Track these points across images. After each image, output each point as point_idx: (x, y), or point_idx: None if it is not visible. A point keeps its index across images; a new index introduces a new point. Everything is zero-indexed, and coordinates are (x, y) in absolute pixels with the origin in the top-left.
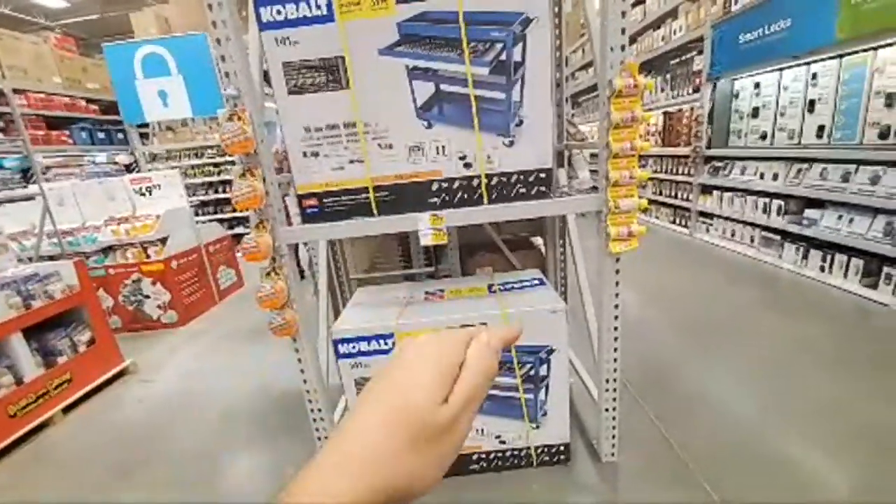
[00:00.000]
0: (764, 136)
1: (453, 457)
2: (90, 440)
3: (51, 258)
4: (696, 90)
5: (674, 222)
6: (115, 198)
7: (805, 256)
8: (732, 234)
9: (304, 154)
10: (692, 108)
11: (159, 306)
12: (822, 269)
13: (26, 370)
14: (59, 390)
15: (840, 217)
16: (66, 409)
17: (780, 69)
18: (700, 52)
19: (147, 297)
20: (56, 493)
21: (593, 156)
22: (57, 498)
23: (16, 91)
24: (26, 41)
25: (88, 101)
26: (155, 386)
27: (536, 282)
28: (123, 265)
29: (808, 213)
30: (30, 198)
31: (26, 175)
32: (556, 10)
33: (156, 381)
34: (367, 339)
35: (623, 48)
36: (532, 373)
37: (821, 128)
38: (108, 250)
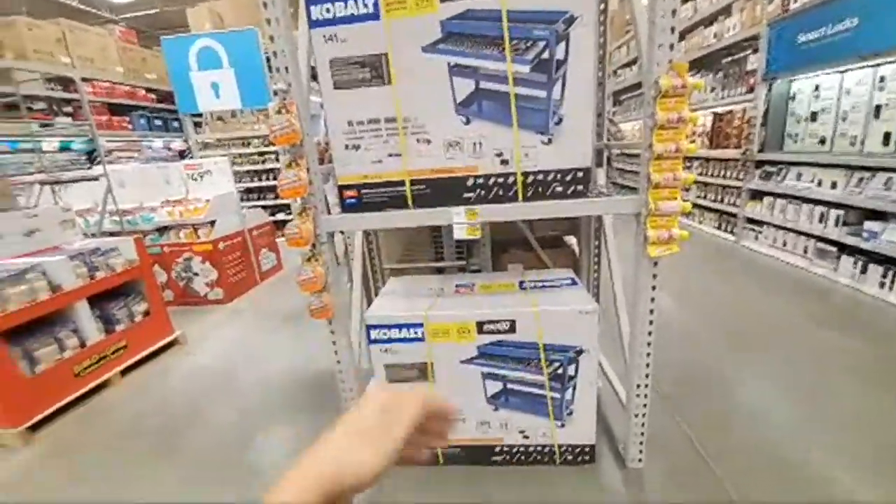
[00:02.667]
0: (823, 142)
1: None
2: (142, 403)
3: (112, 234)
4: (750, 90)
5: (719, 228)
6: (170, 181)
7: (863, 271)
8: (784, 244)
9: (346, 147)
10: (744, 110)
11: (207, 283)
12: (882, 285)
13: (89, 335)
14: (116, 355)
15: None
16: (123, 373)
17: (843, 71)
18: (755, 51)
19: (196, 274)
20: (110, 450)
21: (628, 155)
22: (109, 454)
23: (84, 80)
24: (93, 33)
25: (147, 90)
26: (200, 357)
27: (568, 281)
28: (177, 244)
29: (869, 225)
30: (95, 178)
31: (91, 157)
32: (602, 6)
33: (201, 353)
34: (398, 327)
35: (671, 47)
36: (560, 371)
37: (887, 135)
38: (163, 230)
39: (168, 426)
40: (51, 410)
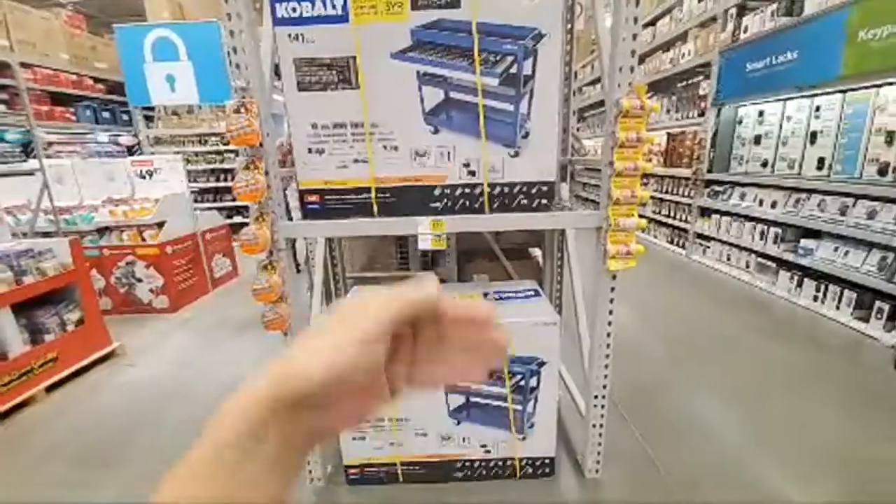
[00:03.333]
0: (765, 164)
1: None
2: (70, 422)
3: (46, 234)
4: (702, 114)
5: (671, 242)
6: (115, 178)
7: (799, 285)
8: (728, 258)
9: (310, 150)
10: (695, 132)
11: (151, 290)
12: (816, 298)
13: (12, 346)
14: (43, 368)
15: (836, 249)
16: (50, 388)
17: (785, 100)
18: (707, 77)
19: (140, 280)
20: (28, 475)
21: (590, 169)
22: (30, 479)
23: (23, 65)
24: (36, 16)
25: (95, 79)
26: (141, 371)
27: (532, 293)
28: (118, 247)
29: (805, 242)
30: (29, 173)
31: (27, 149)
32: (569, 26)
33: (142, 366)
34: None
35: (632, 69)
36: (522, 384)
37: (821, 160)
38: (103, 231)
39: (95, 448)
40: None
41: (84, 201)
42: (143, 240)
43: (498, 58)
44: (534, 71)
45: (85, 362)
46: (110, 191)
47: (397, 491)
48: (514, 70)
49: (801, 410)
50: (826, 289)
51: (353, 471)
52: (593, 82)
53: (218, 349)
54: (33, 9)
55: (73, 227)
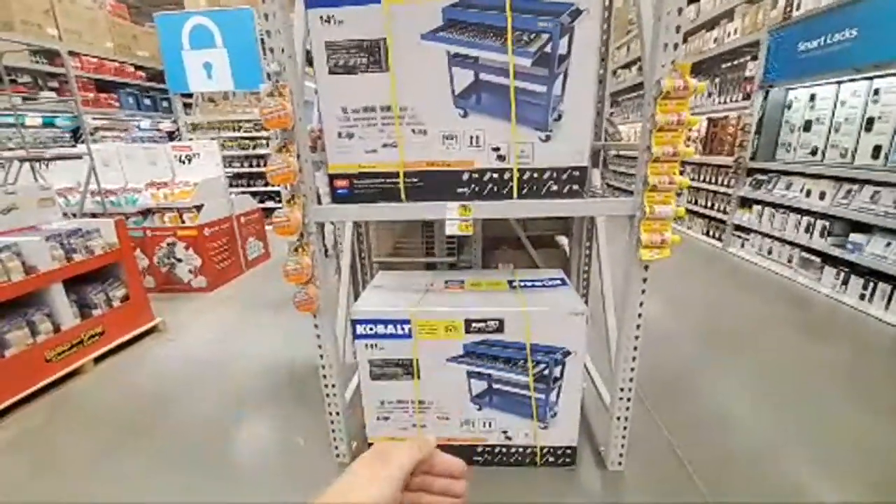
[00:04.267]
0: (814, 152)
1: None
2: (115, 392)
3: (93, 215)
4: (747, 97)
5: (707, 234)
6: (156, 163)
7: (845, 282)
8: (769, 252)
9: (340, 134)
10: (739, 116)
11: (191, 270)
12: (863, 297)
13: (64, 319)
14: (92, 341)
15: (889, 244)
16: (98, 360)
17: (840, 82)
18: (754, 58)
19: (180, 260)
20: (76, 439)
21: (622, 157)
22: (77, 443)
23: (70, 53)
24: (82, 6)
25: (137, 67)
26: (180, 346)
27: (558, 282)
28: (160, 228)
29: (854, 237)
30: (78, 156)
31: (76, 134)
32: (607, 2)
33: (182, 342)
34: (385, 323)
35: (676, 47)
36: (546, 373)
37: (877, 148)
38: (146, 213)
39: (140, 415)
40: (19, 397)
41: (128, 184)
42: (183, 222)
43: (532, 36)
44: (569, 50)
45: (129, 336)
46: (152, 174)
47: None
48: (548, 49)
49: (836, 410)
50: (875, 287)
51: None
52: (628, 65)
53: (252, 326)
54: None
55: (118, 208)
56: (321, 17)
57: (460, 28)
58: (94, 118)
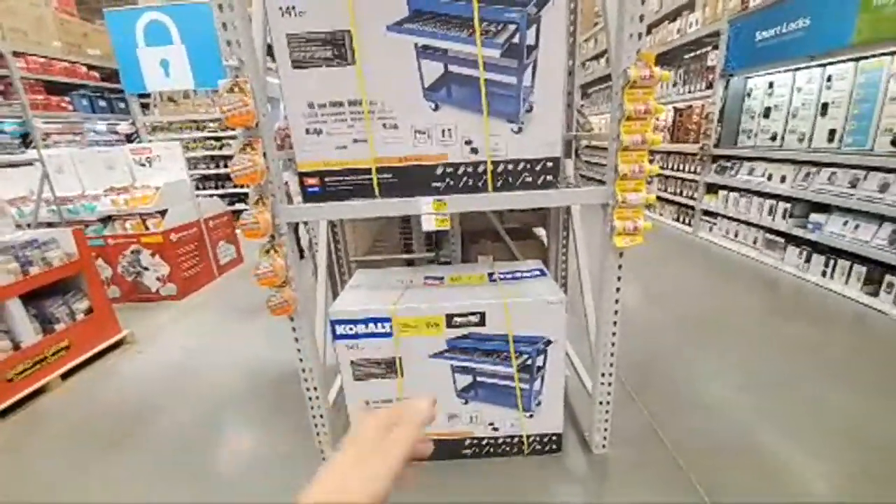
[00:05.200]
0: (774, 137)
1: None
2: (85, 408)
3: (49, 225)
4: (709, 86)
5: (677, 220)
6: (114, 167)
7: (808, 260)
8: (736, 235)
9: (307, 131)
10: (703, 105)
11: (158, 279)
12: (824, 273)
13: (24, 336)
14: (56, 357)
15: (846, 223)
16: (65, 376)
17: (795, 69)
18: (715, 48)
19: (146, 268)
20: (46, 458)
21: (593, 148)
22: (46, 463)
23: (15, 54)
24: (26, 2)
25: (89, 67)
26: (151, 357)
27: (537, 272)
28: (122, 236)
29: (814, 217)
30: (29, 163)
31: (26, 140)
32: None
33: (152, 353)
34: (365, 322)
35: (640, 36)
36: (528, 363)
37: (832, 132)
38: (106, 220)
39: (113, 430)
40: None
41: (85, 191)
42: (147, 228)
43: (499, 27)
44: (537, 40)
45: (96, 350)
46: (111, 180)
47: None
48: (516, 40)
49: (808, 385)
50: (835, 264)
51: None
52: (596, 56)
53: (226, 335)
54: None
55: (75, 216)
56: (280, 9)
57: (427, 19)
58: (45, 122)
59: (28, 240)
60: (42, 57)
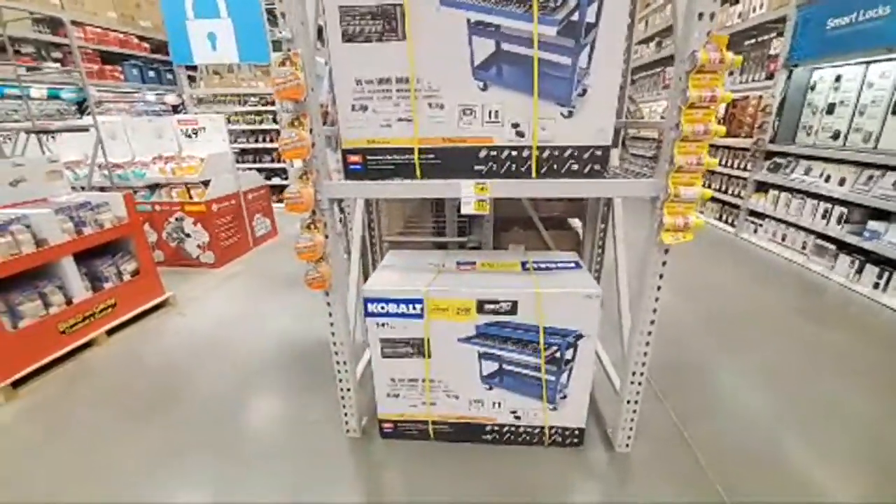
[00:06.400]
0: (836, 136)
1: None
2: (129, 365)
3: (101, 189)
4: (770, 77)
5: (719, 219)
6: (162, 136)
7: (860, 271)
8: (783, 238)
9: (353, 107)
10: (760, 97)
11: (199, 246)
12: (877, 286)
13: (76, 292)
14: (104, 314)
15: None
16: (110, 332)
17: (868, 62)
18: (780, 35)
19: (188, 235)
20: (93, 408)
21: (636, 138)
22: (92, 413)
23: (73, 23)
24: None
25: (141, 38)
26: (191, 321)
27: (572, 264)
28: (168, 203)
29: (872, 224)
30: (85, 129)
31: (81, 107)
32: None
33: (191, 316)
34: (397, 302)
35: (713, 16)
36: (557, 355)
37: None
38: (154, 187)
39: (154, 387)
40: (34, 367)
41: (135, 158)
42: (191, 197)
43: (558, 3)
44: (598, 18)
45: (141, 309)
46: (159, 148)
47: (428, 447)
48: (575, 17)
49: (845, 399)
50: (890, 276)
51: (386, 425)
52: (646, 40)
53: (260, 303)
54: None
55: (125, 182)
56: None
57: None
58: (99, 90)
59: (82, 202)
60: (98, 27)
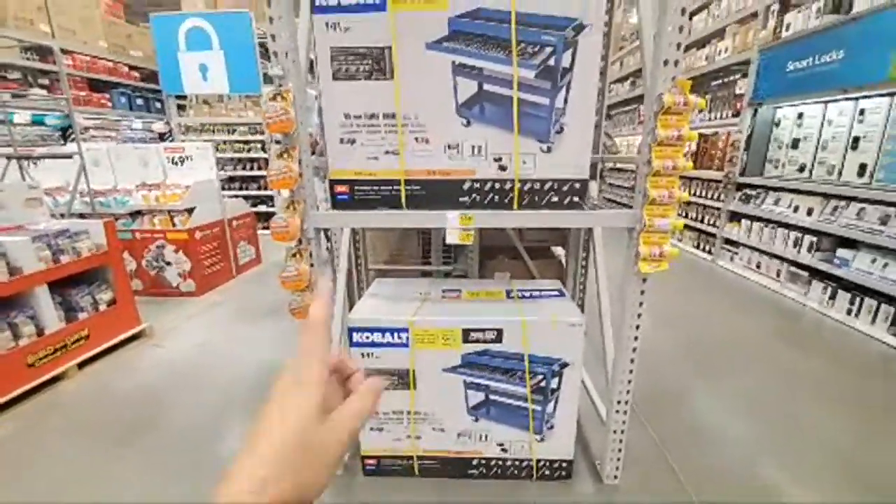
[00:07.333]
0: (802, 169)
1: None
2: (100, 398)
3: (81, 216)
4: (736, 114)
5: (697, 247)
6: (148, 164)
7: (832, 297)
8: (758, 266)
9: (342, 140)
10: (728, 133)
11: (180, 274)
12: (850, 311)
13: (48, 322)
14: (76, 345)
15: (874, 260)
16: (81, 365)
17: (826, 102)
18: (744, 76)
19: (169, 263)
20: (59, 446)
21: (615, 170)
22: (59, 451)
23: (63, 51)
24: (77, 3)
25: (131, 67)
26: (167, 351)
27: (556, 292)
28: (150, 230)
29: (841, 252)
30: (68, 156)
31: (65, 133)
32: (607, 18)
33: (168, 347)
34: (382, 331)
35: (676, 63)
36: (543, 384)
37: (863, 166)
38: (136, 214)
39: (125, 423)
40: (1, 401)
41: (118, 185)
42: (174, 225)
43: (536, 49)
44: (572, 63)
45: (115, 341)
46: (144, 176)
47: (412, 484)
48: (552, 62)
49: (826, 423)
50: (861, 302)
51: (369, 461)
52: (621, 79)
53: (241, 334)
54: None
55: (107, 209)
56: (327, 23)
57: (465, 39)
58: (86, 118)
59: (61, 229)
60: (88, 55)
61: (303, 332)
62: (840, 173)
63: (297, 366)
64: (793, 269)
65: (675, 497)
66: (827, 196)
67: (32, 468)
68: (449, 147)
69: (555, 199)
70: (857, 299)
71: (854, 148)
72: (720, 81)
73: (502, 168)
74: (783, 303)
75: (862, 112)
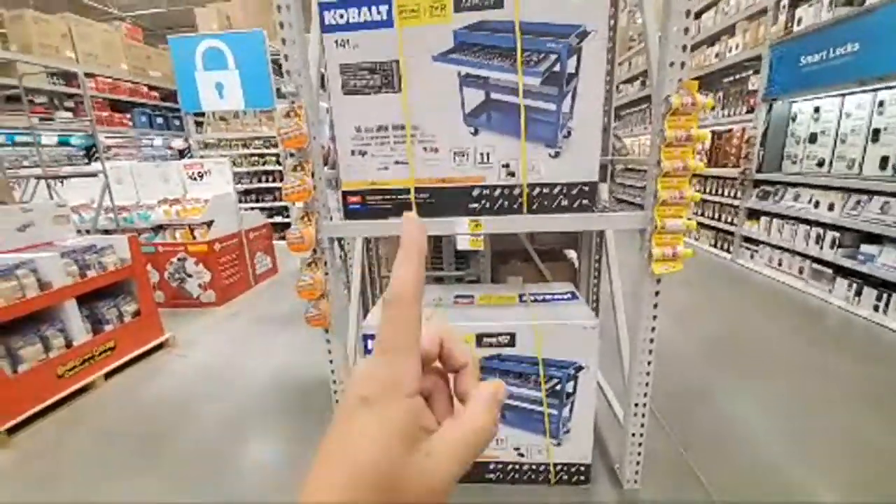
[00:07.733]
0: (821, 164)
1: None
2: (127, 408)
3: (106, 232)
4: (750, 110)
5: (715, 245)
6: (168, 180)
7: (858, 293)
8: (779, 263)
9: (353, 152)
10: (743, 129)
11: (200, 285)
12: (877, 308)
13: (76, 334)
14: (103, 356)
15: None
16: (108, 375)
17: (843, 94)
18: (756, 72)
19: (190, 275)
20: (89, 455)
21: (627, 170)
22: (88, 459)
23: (87, 75)
24: (99, 28)
25: (150, 87)
26: (190, 360)
27: (569, 295)
28: (171, 244)
29: (865, 248)
30: (93, 174)
31: (89, 153)
32: (612, 22)
33: (192, 357)
34: None
35: (683, 65)
36: (558, 388)
37: (884, 159)
38: (158, 229)
39: (152, 431)
40: (31, 412)
41: (141, 201)
42: (194, 237)
43: (541, 57)
44: (577, 69)
45: (140, 351)
46: (164, 191)
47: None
48: (556, 69)
49: (860, 425)
50: (889, 298)
51: None
52: (630, 80)
53: (261, 341)
54: (96, 23)
55: (131, 224)
56: (336, 41)
57: (471, 50)
58: (108, 137)
59: (88, 245)
60: (110, 77)
61: (384, 316)
62: (861, 167)
63: (370, 373)
64: (816, 266)
65: (698, 502)
66: (848, 190)
67: (62, 475)
68: (457, 155)
69: (564, 202)
70: (885, 295)
71: (875, 140)
72: (732, 78)
73: (510, 174)
74: (807, 301)
75: (881, 104)
